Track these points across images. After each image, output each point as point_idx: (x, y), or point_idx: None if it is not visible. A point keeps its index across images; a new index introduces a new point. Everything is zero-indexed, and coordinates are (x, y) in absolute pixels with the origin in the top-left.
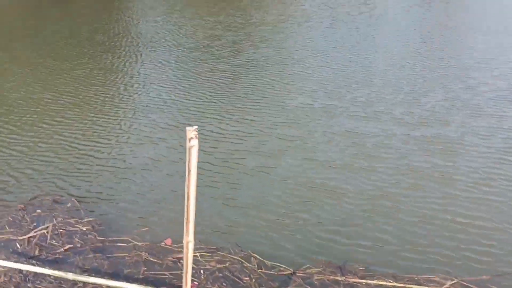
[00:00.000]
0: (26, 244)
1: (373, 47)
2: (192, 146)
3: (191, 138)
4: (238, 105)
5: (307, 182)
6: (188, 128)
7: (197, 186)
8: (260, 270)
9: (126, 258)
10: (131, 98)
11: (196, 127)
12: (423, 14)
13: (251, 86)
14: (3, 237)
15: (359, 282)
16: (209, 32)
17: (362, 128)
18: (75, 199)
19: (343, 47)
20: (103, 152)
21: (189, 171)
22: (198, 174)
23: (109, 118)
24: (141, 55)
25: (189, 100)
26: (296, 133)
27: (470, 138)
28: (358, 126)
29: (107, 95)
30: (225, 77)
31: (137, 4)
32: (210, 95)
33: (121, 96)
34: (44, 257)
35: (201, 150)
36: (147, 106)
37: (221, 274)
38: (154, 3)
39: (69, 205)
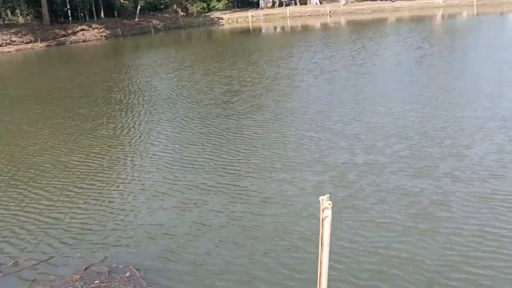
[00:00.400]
0: None
1: (401, 97)
2: (325, 217)
3: (325, 208)
4: (276, 164)
5: (371, 248)
6: (321, 198)
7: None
8: None
9: None
10: (162, 158)
11: (328, 195)
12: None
13: (283, 142)
14: None
15: None
16: (225, 87)
17: (413, 185)
18: (133, 268)
19: (367, 99)
20: (144, 216)
21: (321, 244)
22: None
23: (143, 182)
24: (161, 112)
25: (222, 158)
26: (344, 193)
27: None
28: (407, 183)
29: (136, 156)
30: (253, 134)
31: (145, 61)
32: (244, 153)
33: (151, 157)
34: None
35: (255, 214)
36: (181, 165)
37: None
38: (163, 60)
39: (127, 274)
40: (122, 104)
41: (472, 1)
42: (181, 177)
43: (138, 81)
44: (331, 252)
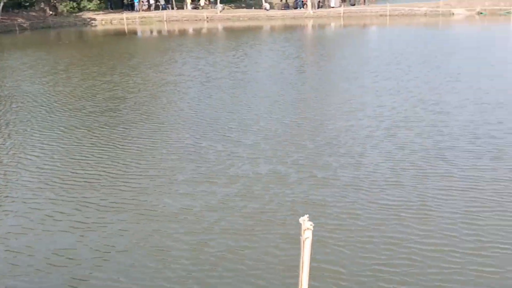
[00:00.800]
0: None
1: (292, 106)
2: (306, 238)
3: (306, 229)
4: (178, 176)
5: (285, 258)
6: (301, 219)
7: None
8: None
9: None
10: (50, 173)
11: (307, 215)
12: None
13: (182, 153)
14: None
15: None
16: (108, 94)
17: (319, 195)
18: None
19: (258, 106)
20: (40, 240)
21: (302, 266)
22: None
23: (32, 201)
24: (39, 121)
25: (119, 172)
26: (256, 204)
27: None
28: (313, 192)
29: (16, 172)
30: (149, 144)
31: (12, 63)
32: (142, 165)
33: (37, 172)
34: None
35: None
36: (74, 181)
37: None
38: (33, 62)
39: None
40: None
41: (339, 13)
42: (76, 194)
43: (6, 85)
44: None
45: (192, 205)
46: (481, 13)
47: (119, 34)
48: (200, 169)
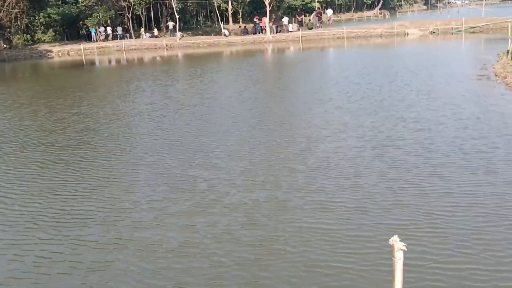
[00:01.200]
0: None
1: (272, 129)
2: (399, 259)
3: (399, 250)
4: (171, 207)
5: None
6: (392, 240)
7: None
8: None
9: None
10: (30, 212)
11: (396, 236)
12: None
13: (172, 183)
14: None
15: None
16: (80, 126)
17: (320, 219)
18: None
19: (242, 132)
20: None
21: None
22: None
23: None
24: (12, 157)
25: (107, 209)
26: (261, 233)
27: None
28: (312, 219)
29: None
30: (136, 176)
31: None
32: (133, 200)
33: (15, 211)
34: None
35: None
36: (58, 220)
37: None
38: None
39: None
40: None
41: (298, 37)
42: (68, 232)
43: None
44: None
45: (195, 237)
46: (434, 32)
47: (78, 65)
48: (195, 198)
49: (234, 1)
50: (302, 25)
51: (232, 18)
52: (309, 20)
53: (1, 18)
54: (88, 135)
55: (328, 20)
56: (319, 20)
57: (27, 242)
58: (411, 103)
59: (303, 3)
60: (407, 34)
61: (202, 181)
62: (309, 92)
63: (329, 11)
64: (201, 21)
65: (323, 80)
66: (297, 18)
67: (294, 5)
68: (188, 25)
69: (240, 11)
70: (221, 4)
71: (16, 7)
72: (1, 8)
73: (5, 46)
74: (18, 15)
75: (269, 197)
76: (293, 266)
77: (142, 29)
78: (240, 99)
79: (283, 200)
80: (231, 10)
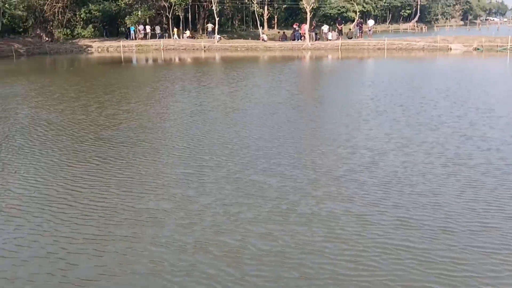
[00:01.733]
0: None
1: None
2: None
3: None
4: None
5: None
6: None
7: None
8: None
9: None
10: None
11: None
12: None
13: (238, 187)
14: None
15: None
16: (134, 123)
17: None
18: None
19: (305, 138)
20: None
21: None
22: None
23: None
24: (71, 152)
25: (179, 208)
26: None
27: None
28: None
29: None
30: (192, 180)
31: (18, 91)
32: (204, 200)
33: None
34: None
35: None
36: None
37: None
38: (39, 89)
39: None
40: (9, 143)
41: (337, 46)
42: (145, 232)
43: (22, 113)
44: None
45: (277, 245)
46: (478, 48)
47: (117, 62)
48: (267, 206)
49: (270, 6)
50: (341, 34)
51: (267, 23)
52: (349, 29)
53: (45, 11)
54: (144, 133)
55: (369, 30)
56: (360, 30)
57: (105, 238)
58: (473, 120)
59: (339, 12)
60: (450, 49)
61: (270, 187)
62: (361, 102)
63: (371, 22)
64: (236, 25)
65: (372, 91)
66: (337, 27)
67: (330, 13)
68: (223, 28)
69: (275, 16)
70: (258, 9)
71: (60, 1)
72: (46, 1)
73: (47, 39)
74: (61, 10)
75: (345, 210)
76: (386, 285)
77: (175, 30)
78: (289, 105)
79: (360, 214)
80: (267, 15)
